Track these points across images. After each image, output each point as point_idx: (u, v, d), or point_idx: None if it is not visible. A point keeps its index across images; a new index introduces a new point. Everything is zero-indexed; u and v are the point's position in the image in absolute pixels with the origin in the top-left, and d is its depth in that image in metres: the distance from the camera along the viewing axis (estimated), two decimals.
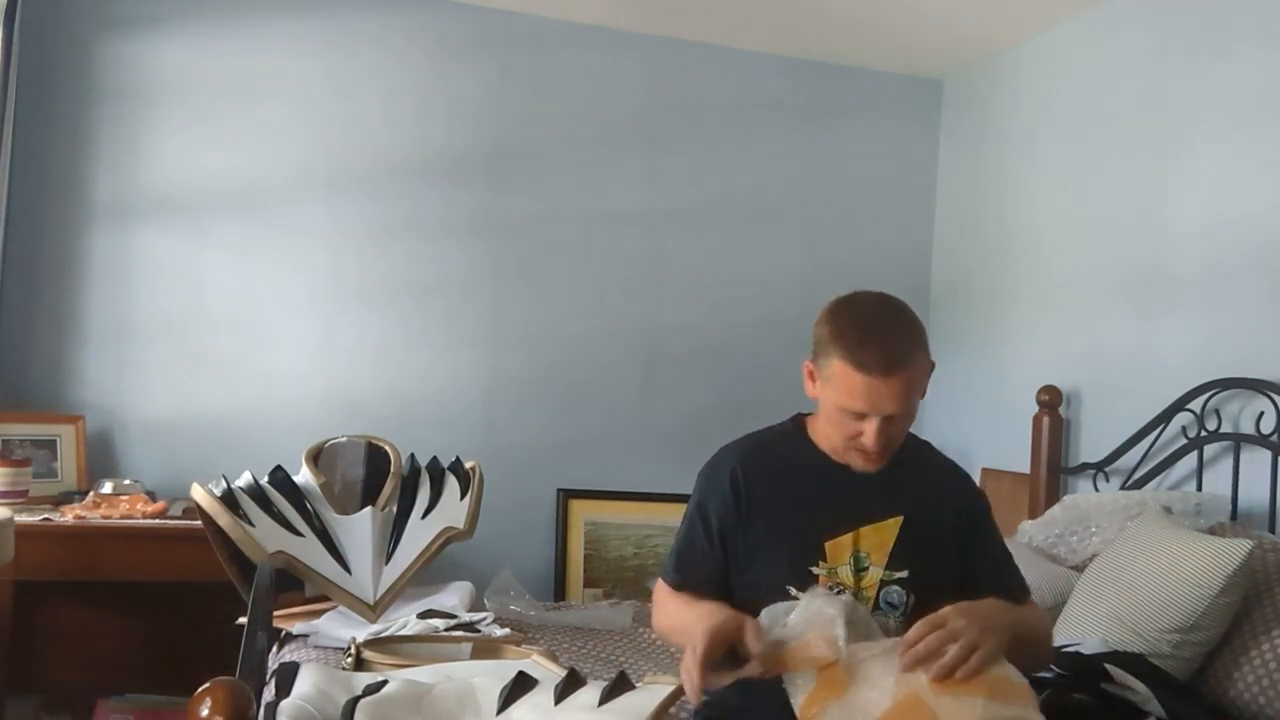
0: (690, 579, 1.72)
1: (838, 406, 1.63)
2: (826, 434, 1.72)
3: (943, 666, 1.39)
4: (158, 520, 2.84)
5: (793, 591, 1.62)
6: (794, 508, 1.69)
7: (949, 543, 1.70)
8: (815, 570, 1.64)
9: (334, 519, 2.56)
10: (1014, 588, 1.71)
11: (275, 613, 2.41)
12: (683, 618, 1.65)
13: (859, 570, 1.65)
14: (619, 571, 3.56)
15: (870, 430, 1.62)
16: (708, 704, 1.59)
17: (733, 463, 1.73)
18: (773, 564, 1.66)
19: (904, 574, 1.65)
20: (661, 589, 1.77)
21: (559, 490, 3.58)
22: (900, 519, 1.67)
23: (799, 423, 1.80)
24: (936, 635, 1.41)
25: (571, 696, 1.44)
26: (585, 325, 3.65)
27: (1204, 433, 2.77)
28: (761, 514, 1.69)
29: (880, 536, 1.66)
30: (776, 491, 1.71)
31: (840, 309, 1.66)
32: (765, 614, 1.49)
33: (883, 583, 1.64)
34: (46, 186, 3.17)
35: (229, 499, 2.44)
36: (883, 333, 1.60)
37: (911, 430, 1.73)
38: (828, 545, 1.65)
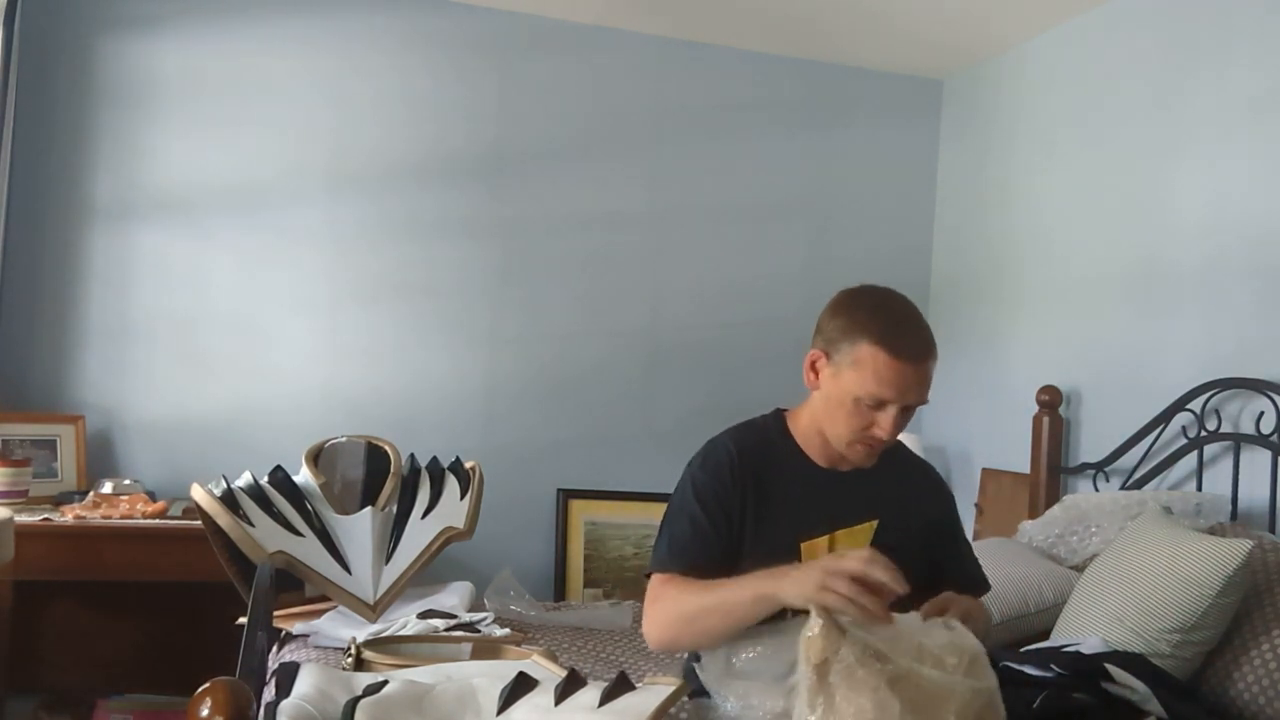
0: (696, 563, 1.63)
1: (857, 396, 1.62)
2: (815, 430, 1.72)
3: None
4: (158, 520, 2.84)
5: None
6: (774, 504, 1.70)
7: (920, 542, 1.74)
8: None
9: (334, 519, 2.56)
10: (978, 582, 1.82)
11: (275, 613, 2.41)
12: (719, 591, 1.53)
13: None
14: (619, 571, 3.56)
15: (887, 419, 1.62)
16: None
17: (729, 448, 1.72)
18: (752, 556, 1.67)
19: None
20: (661, 583, 1.64)
21: (559, 490, 3.58)
22: (875, 523, 1.70)
23: (780, 418, 1.79)
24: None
25: (572, 697, 1.44)
26: (585, 325, 3.65)
27: (1204, 433, 2.76)
28: (750, 503, 1.70)
29: (855, 540, 1.68)
30: (760, 485, 1.71)
31: (860, 299, 1.66)
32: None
33: None
34: (46, 186, 3.17)
35: (229, 499, 2.44)
36: (912, 319, 1.63)
37: (910, 429, 1.75)
38: (804, 545, 1.67)
